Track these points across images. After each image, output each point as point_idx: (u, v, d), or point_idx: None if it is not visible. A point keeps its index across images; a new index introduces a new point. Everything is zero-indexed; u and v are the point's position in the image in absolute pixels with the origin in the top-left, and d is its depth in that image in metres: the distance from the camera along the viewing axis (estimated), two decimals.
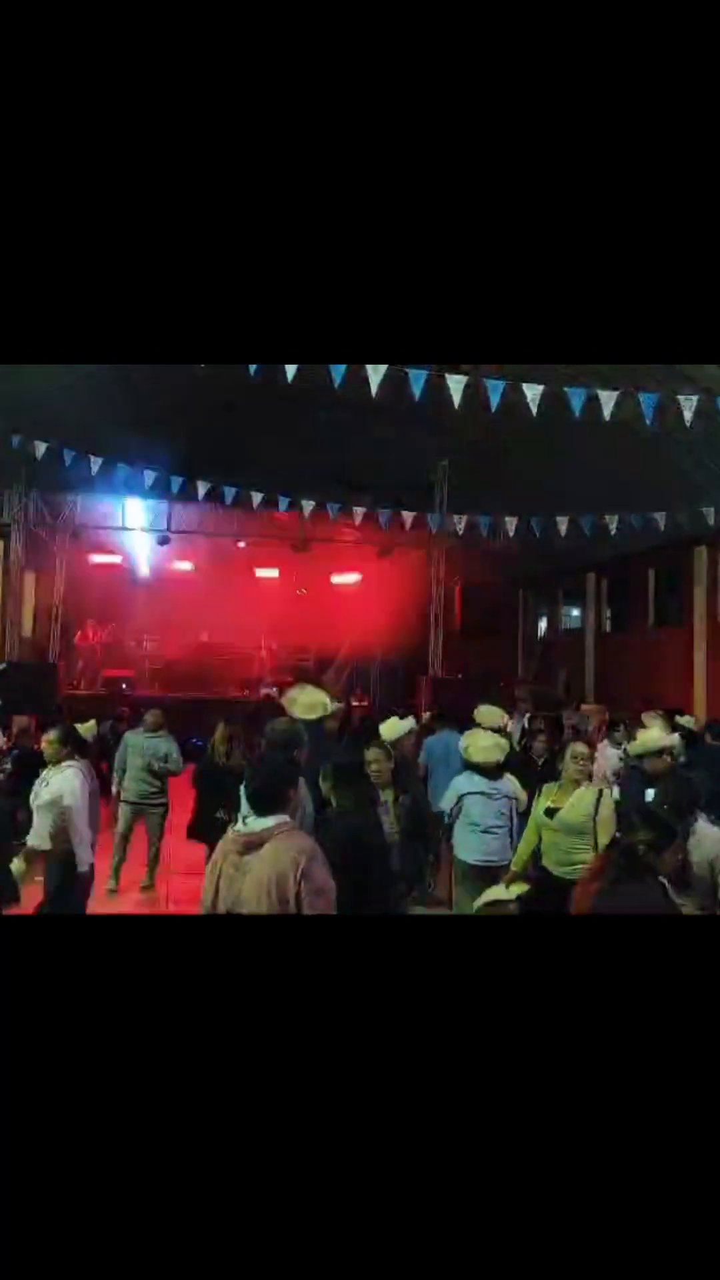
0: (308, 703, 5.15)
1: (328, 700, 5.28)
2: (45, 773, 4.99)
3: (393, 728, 5.50)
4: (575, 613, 18.18)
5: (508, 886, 3.98)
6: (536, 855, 4.72)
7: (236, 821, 3.00)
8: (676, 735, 5.79)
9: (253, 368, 6.90)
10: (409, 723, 5.73)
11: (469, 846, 5.13)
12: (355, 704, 13.38)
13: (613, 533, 11.93)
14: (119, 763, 7.21)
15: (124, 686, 15.55)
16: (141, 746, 7.14)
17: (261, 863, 2.67)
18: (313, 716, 5.09)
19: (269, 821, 2.72)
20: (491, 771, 5.16)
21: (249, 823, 2.75)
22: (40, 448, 10.90)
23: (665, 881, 2.89)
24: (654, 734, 5.38)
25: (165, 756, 7.07)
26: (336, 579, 17.19)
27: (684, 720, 8.05)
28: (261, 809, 2.75)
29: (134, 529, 15.34)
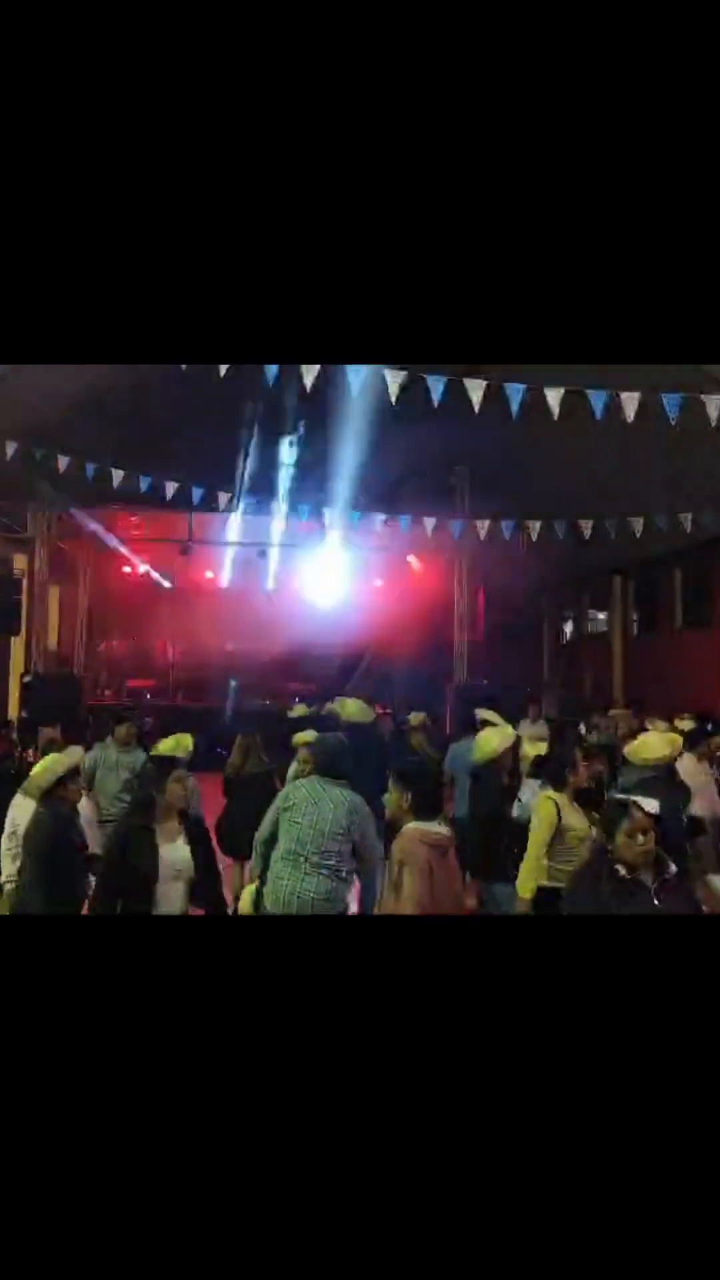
0: (357, 708, 5.70)
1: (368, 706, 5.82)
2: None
3: (489, 743, 4.93)
4: (601, 616, 18.01)
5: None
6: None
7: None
8: (680, 744, 5.57)
9: (271, 374, 6.88)
10: (508, 734, 5.09)
11: None
12: (380, 711, 13.31)
13: (637, 534, 11.78)
14: (84, 781, 6.48)
15: (148, 696, 15.60)
16: (118, 762, 6.55)
17: (453, 856, 2.99)
18: (365, 720, 5.67)
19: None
20: None
21: (436, 826, 2.96)
22: (63, 462, 10.97)
23: (620, 868, 2.76)
24: (653, 740, 5.26)
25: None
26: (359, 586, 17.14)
27: (681, 724, 7.84)
28: (438, 812, 3.02)
29: (156, 540, 15.41)
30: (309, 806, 3.69)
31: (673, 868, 2.84)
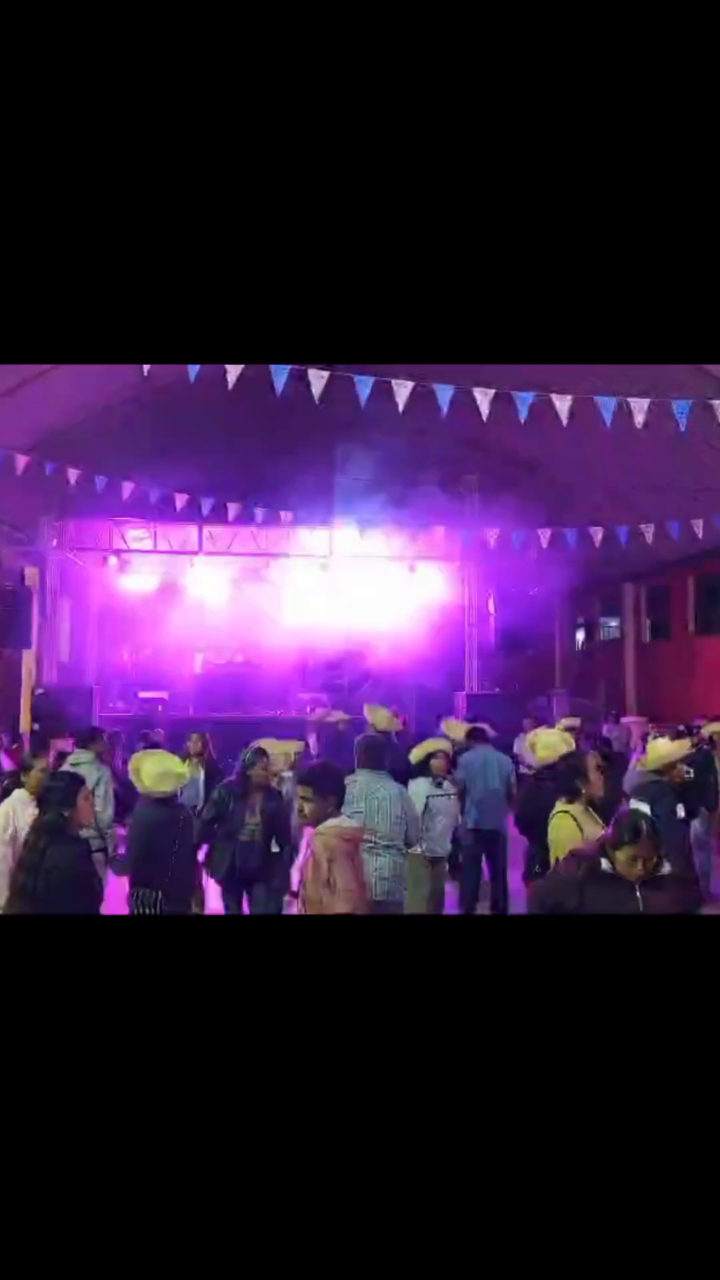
0: (385, 718, 6.48)
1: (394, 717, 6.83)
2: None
3: (549, 746, 5.32)
4: (613, 623, 17.93)
5: None
6: None
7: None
8: (689, 744, 5.61)
9: (279, 384, 6.88)
10: (568, 738, 5.45)
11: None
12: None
13: (649, 541, 11.71)
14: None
15: (159, 708, 15.61)
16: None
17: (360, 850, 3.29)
18: (392, 729, 6.49)
19: None
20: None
21: (349, 822, 3.20)
22: (73, 474, 11.02)
23: (606, 865, 2.81)
24: (665, 745, 5.22)
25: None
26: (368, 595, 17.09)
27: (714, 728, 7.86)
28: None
29: (167, 551, 15.44)
30: (369, 797, 4.18)
31: (666, 867, 2.85)
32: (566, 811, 3.91)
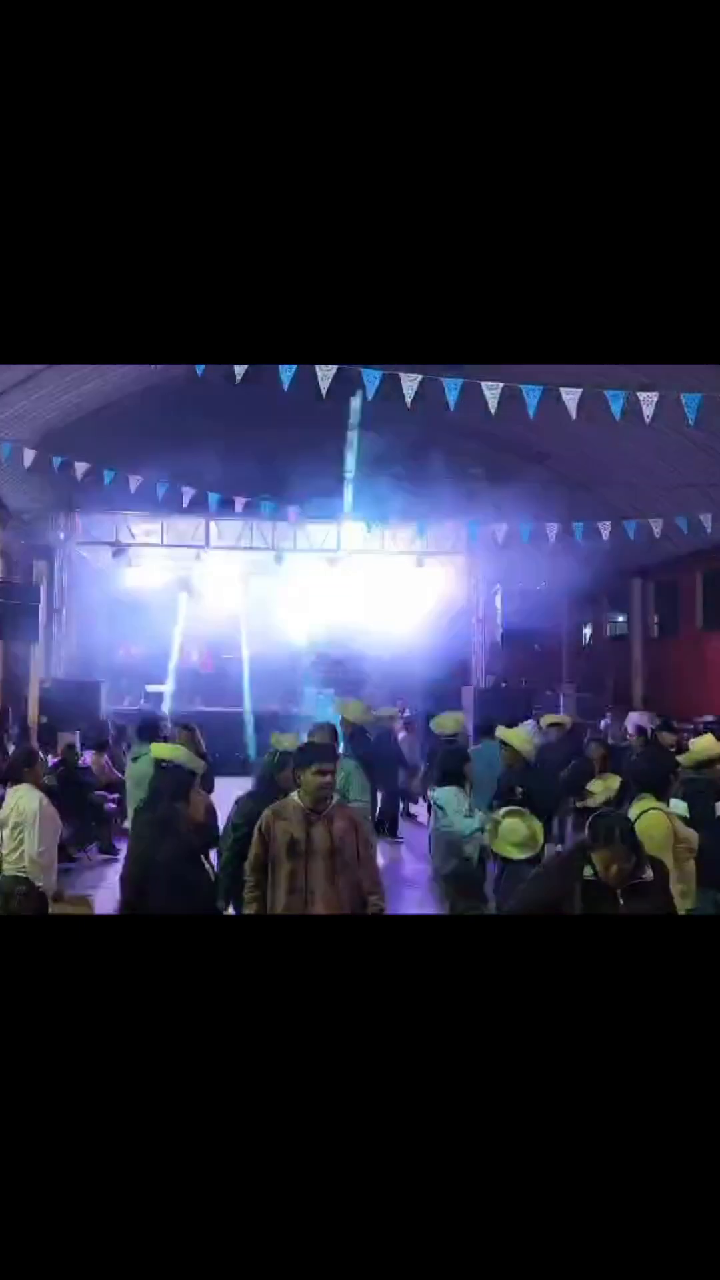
0: (358, 710, 6.63)
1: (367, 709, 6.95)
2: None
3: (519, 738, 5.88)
4: (620, 618, 17.87)
5: None
6: None
7: None
8: None
9: (286, 380, 6.86)
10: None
11: None
12: (400, 715, 13.28)
13: (657, 536, 11.66)
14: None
15: (165, 704, 15.62)
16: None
17: None
18: (365, 722, 6.71)
19: None
20: None
21: None
22: (80, 468, 11.02)
23: (608, 886, 2.72)
24: (705, 741, 5.16)
25: None
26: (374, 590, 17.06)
27: None
28: None
29: (175, 545, 15.45)
30: (364, 786, 5.13)
31: (648, 874, 2.77)
32: (657, 809, 3.65)
